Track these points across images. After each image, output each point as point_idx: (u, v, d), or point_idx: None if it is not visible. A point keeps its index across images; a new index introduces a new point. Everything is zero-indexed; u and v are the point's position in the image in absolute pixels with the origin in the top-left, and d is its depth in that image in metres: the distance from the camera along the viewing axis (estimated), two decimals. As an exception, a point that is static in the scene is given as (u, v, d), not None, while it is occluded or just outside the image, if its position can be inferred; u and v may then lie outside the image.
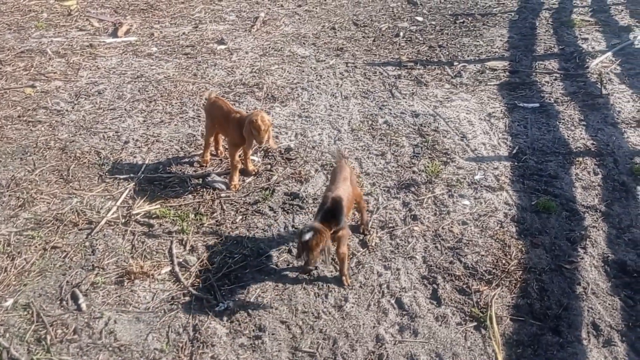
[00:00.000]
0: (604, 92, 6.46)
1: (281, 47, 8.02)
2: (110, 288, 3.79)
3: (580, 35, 8.30)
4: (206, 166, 5.15)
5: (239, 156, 4.94)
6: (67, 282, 3.83)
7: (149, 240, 4.25)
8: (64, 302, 3.66)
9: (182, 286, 3.80)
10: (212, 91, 5.31)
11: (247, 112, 4.83)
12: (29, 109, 6.14)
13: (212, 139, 5.12)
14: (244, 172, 5.04)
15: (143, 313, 3.59)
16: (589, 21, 8.85)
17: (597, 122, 5.87)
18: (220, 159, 5.27)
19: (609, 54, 7.51)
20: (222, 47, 8.00)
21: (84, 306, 3.60)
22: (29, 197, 4.69)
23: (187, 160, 5.28)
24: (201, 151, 5.33)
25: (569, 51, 7.74)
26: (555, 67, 7.28)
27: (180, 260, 4.05)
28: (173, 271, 3.94)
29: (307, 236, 3.37)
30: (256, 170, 5.09)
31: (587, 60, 7.39)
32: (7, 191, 4.76)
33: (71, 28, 8.57)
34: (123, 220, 4.45)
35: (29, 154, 5.32)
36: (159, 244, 4.23)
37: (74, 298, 3.68)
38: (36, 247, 4.15)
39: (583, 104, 6.26)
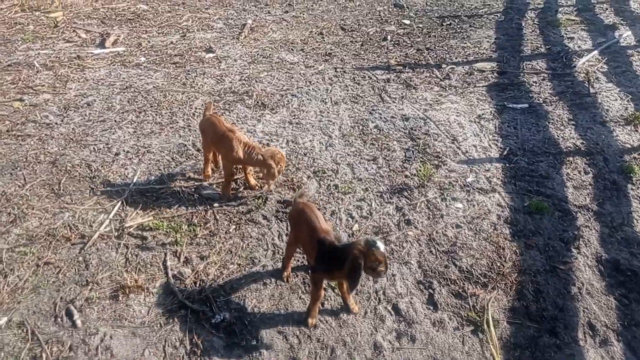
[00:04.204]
0: (591, 91, 6.51)
1: (270, 54, 8.02)
2: (105, 303, 3.76)
3: (566, 34, 8.37)
4: (207, 180, 5.09)
5: (236, 170, 4.92)
6: (61, 298, 3.80)
7: (142, 253, 4.22)
8: (59, 319, 3.62)
9: (178, 299, 3.78)
10: (209, 102, 5.21)
11: (235, 128, 4.78)
12: (18, 123, 6.09)
13: (210, 154, 5.05)
14: (247, 187, 4.98)
15: (139, 328, 3.57)
16: (574, 20, 8.93)
17: (586, 121, 5.91)
18: (220, 172, 5.21)
19: (595, 52, 7.58)
20: (211, 55, 7.98)
21: (79, 322, 3.57)
22: (20, 212, 4.65)
23: (178, 170, 5.25)
24: (193, 161, 5.32)
25: (555, 51, 7.81)
26: (542, 67, 7.33)
27: (175, 272, 4.03)
28: (168, 284, 3.92)
29: (383, 245, 3.16)
30: (259, 185, 5.02)
31: (574, 59, 7.45)
32: (-2, 207, 4.73)
33: (58, 40, 8.52)
34: (116, 234, 4.42)
35: (19, 168, 5.27)
36: (153, 256, 4.20)
37: (69, 314, 3.64)
38: (29, 263, 4.11)
39: (571, 103, 6.31)
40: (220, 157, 4.97)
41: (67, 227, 4.48)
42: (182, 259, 4.17)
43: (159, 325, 3.58)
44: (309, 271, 3.55)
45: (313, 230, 3.45)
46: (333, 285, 3.83)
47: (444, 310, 3.68)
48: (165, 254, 4.20)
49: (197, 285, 3.92)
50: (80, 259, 4.16)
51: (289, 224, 4.01)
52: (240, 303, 3.75)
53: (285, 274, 3.93)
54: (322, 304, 3.72)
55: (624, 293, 3.79)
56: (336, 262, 3.26)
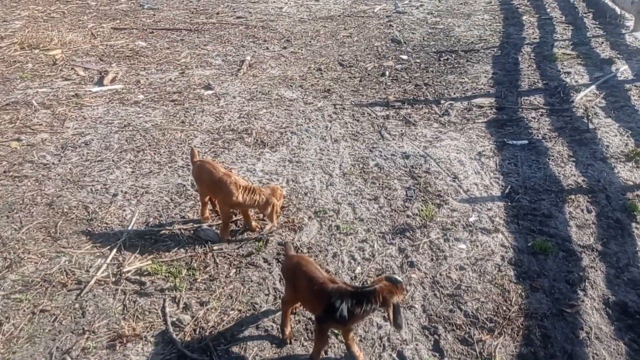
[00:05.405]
0: (590, 126, 6.51)
1: (268, 91, 8.04)
2: (101, 353, 3.66)
3: (562, 69, 8.43)
4: (206, 222, 5.02)
5: (234, 214, 4.87)
6: (57, 348, 3.69)
7: (140, 300, 4.13)
8: (54, 371, 3.52)
9: (177, 348, 3.67)
10: (193, 149, 5.08)
11: (229, 170, 4.74)
12: (15, 164, 6.04)
13: (207, 198, 4.99)
14: (247, 229, 4.91)
15: (137, 380, 3.47)
16: (570, 54, 9.01)
17: (587, 157, 5.90)
18: (217, 212, 5.16)
19: (593, 87, 7.62)
20: (209, 92, 8.00)
21: (75, 375, 3.47)
22: (16, 257, 4.57)
23: (177, 211, 5.19)
24: (192, 201, 5.26)
25: (553, 85, 7.85)
26: (540, 103, 7.35)
27: (174, 319, 3.93)
28: (166, 332, 3.82)
29: (400, 278, 3.37)
30: (260, 227, 4.96)
31: (572, 94, 7.48)
32: (-6, 252, 4.65)
33: (56, 78, 8.54)
34: (113, 279, 4.33)
35: (15, 211, 5.20)
36: (151, 302, 4.11)
37: (65, 366, 3.55)
38: (24, 311, 4.01)
39: (571, 139, 6.30)
40: (217, 201, 4.90)
41: (64, 273, 4.40)
42: (181, 305, 4.08)
43: (157, 377, 3.48)
44: (315, 321, 3.45)
45: (317, 282, 3.37)
46: (337, 332, 3.74)
47: (450, 358, 3.58)
48: (164, 300, 4.11)
49: (197, 332, 3.82)
50: (77, 306, 4.07)
51: (284, 280, 3.90)
52: (241, 352, 3.65)
53: (287, 336, 3.73)
54: (325, 352, 3.63)
55: (633, 337, 3.70)
56: (358, 306, 3.23)
